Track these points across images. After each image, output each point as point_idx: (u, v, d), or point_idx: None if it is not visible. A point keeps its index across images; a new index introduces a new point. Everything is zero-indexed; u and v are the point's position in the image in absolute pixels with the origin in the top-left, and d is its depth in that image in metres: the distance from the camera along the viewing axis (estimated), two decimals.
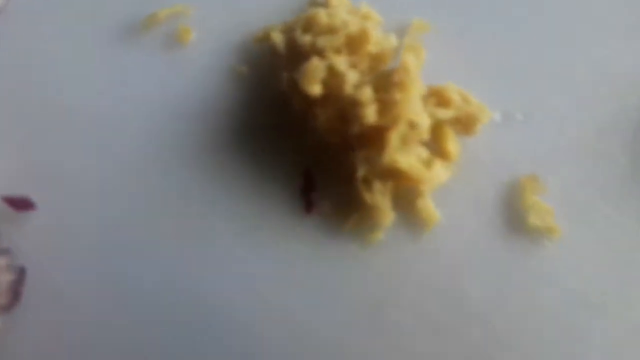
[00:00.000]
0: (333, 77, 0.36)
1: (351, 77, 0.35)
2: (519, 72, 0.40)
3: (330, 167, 0.38)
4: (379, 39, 0.37)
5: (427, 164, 0.37)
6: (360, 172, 0.36)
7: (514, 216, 0.37)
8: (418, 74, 0.35)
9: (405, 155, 0.35)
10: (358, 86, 0.35)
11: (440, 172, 0.37)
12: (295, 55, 0.38)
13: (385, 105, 0.35)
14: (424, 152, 0.36)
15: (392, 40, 0.37)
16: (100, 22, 0.41)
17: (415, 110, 0.35)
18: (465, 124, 0.38)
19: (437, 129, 0.37)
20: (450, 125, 0.38)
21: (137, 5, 0.41)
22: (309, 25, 0.38)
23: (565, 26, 0.41)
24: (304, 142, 0.38)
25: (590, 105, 0.39)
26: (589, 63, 0.40)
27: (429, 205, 0.37)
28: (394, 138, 0.35)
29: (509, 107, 0.39)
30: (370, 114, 0.35)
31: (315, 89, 0.35)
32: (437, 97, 0.37)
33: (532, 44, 0.40)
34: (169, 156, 0.39)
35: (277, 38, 0.38)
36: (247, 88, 0.40)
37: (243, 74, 0.40)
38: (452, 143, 0.37)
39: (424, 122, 0.35)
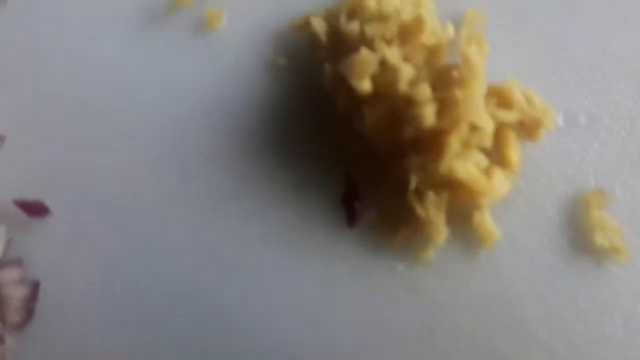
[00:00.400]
0: (385, 72, 0.31)
1: (406, 72, 0.30)
2: (581, 67, 0.36)
3: (377, 174, 0.34)
4: (435, 29, 0.32)
5: (487, 173, 0.32)
6: (413, 181, 0.31)
7: (578, 235, 0.34)
8: (482, 70, 0.30)
9: (464, 163, 0.31)
10: (414, 83, 0.30)
11: (501, 183, 0.32)
12: (340, 46, 0.33)
13: (445, 106, 0.30)
14: (483, 160, 0.32)
15: (450, 31, 0.32)
16: (118, 6, 0.36)
17: (478, 111, 0.30)
18: (528, 129, 0.33)
19: (498, 133, 0.33)
20: (513, 129, 0.33)
21: None
22: (354, 12, 0.33)
23: (637, 14, 0.36)
24: (347, 146, 0.33)
25: None
26: None
27: (487, 220, 0.32)
28: (453, 142, 0.30)
29: (571, 109, 0.35)
30: (429, 115, 0.30)
31: (365, 85, 0.31)
32: (498, 97, 0.33)
33: (597, 34, 0.36)
34: (196, 158, 0.35)
35: (319, 26, 0.33)
36: (284, 82, 0.35)
37: (280, 66, 0.35)
38: (515, 150, 0.33)
39: (488, 125, 0.30)
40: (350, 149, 0.34)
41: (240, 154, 0.34)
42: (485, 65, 0.34)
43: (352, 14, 0.33)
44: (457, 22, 0.36)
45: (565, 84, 0.35)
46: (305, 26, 0.35)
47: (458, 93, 0.30)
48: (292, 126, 0.34)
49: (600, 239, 0.33)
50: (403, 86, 0.31)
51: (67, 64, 0.36)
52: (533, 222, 0.34)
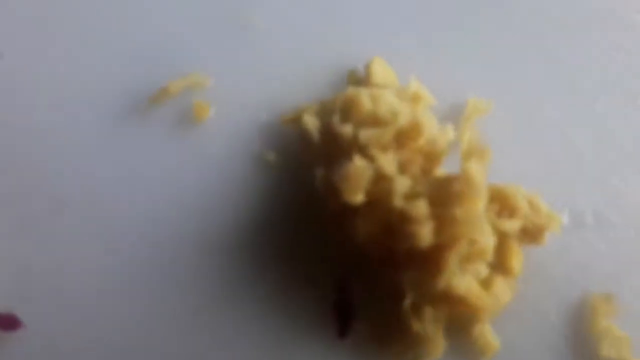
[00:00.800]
0: (379, 181, 0.29)
1: (401, 185, 0.28)
2: (587, 163, 0.34)
3: (370, 282, 0.31)
4: (433, 132, 0.30)
5: (487, 284, 0.30)
6: (409, 297, 0.29)
7: (583, 344, 0.32)
8: (483, 183, 0.28)
9: (463, 277, 0.29)
10: (409, 196, 0.28)
11: (501, 293, 0.30)
12: (332, 145, 0.30)
13: (443, 222, 0.28)
14: (483, 269, 0.30)
15: (449, 133, 0.30)
16: (100, 98, 0.34)
17: (479, 228, 0.28)
18: (531, 234, 0.31)
19: (499, 241, 0.30)
20: (515, 237, 0.31)
21: (144, 77, 0.33)
22: (348, 110, 0.30)
23: None
24: (339, 250, 0.31)
25: None
26: None
27: (487, 332, 0.31)
28: (452, 260, 0.28)
29: (578, 207, 0.34)
30: (425, 233, 0.28)
31: (358, 197, 0.28)
32: (500, 203, 0.31)
33: (604, 129, 0.35)
34: (177, 264, 0.33)
35: (311, 122, 0.31)
36: (272, 179, 0.33)
37: (269, 161, 0.32)
38: (517, 258, 0.31)
39: (490, 241, 0.28)
40: (342, 254, 0.31)
41: (225, 258, 0.32)
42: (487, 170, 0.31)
43: (346, 112, 0.31)
44: (459, 111, 0.33)
45: (571, 181, 0.33)
46: (296, 120, 0.33)
47: (457, 211, 0.28)
48: (280, 227, 0.32)
49: (607, 350, 0.31)
50: (398, 200, 0.29)
51: (41, 157, 0.33)
52: (535, 330, 0.32)
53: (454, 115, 0.34)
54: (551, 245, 0.32)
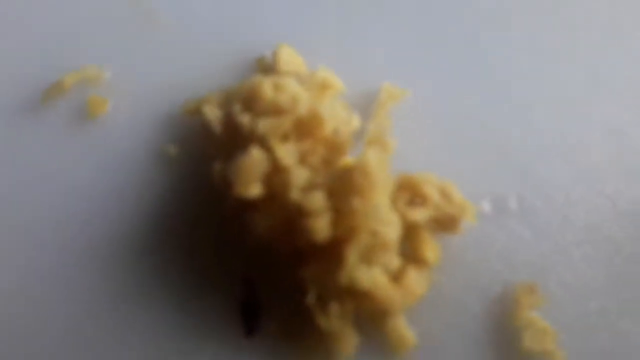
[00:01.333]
0: (277, 174, 0.27)
1: (299, 177, 0.27)
2: (510, 146, 0.33)
3: (276, 278, 0.30)
4: (337, 120, 0.28)
5: (398, 276, 0.28)
6: (312, 293, 0.27)
7: (506, 336, 0.31)
8: (384, 173, 0.27)
9: (368, 271, 0.27)
10: (307, 189, 0.27)
11: (415, 285, 0.29)
12: (234, 136, 0.29)
13: (342, 214, 0.26)
14: (393, 261, 0.28)
15: (354, 122, 0.29)
16: None
17: (379, 219, 0.26)
18: (444, 223, 0.29)
19: (410, 231, 0.29)
20: (427, 226, 0.29)
21: (36, 72, 0.32)
22: (250, 99, 0.29)
23: (571, 86, 0.33)
24: (243, 246, 0.30)
25: (605, 184, 0.32)
26: (601, 138, 0.32)
27: (400, 326, 0.29)
28: (351, 253, 0.26)
29: (500, 193, 0.32)
30: (322, 227, 0.26)
31: (253, 189, 0.27)
32: (410, 191, 0.29)
33: (525, 109, 0.33)
34: (71, 262, 0.31)
35: (211, 113, 0.29)
36: (175, 173, 0.31)
37: (171, 154, 0.31)
38: (430, 247, 0.29)
39: (393, 231, 0.27)
40: (247, 249, 0.30)
41: (122, 256, 0.31)
42: (396, 154, 0.30)
43: (248, 101, 0.29)
44: (372, 98, 0.31)
45: (494, 167, 0.31)
46: (198, 111, 0.31)
47: (355, 202, 0.26)
48: (183, 223, 0.31)
49: (529, 342, 0.30)
50: (295, 193, 0.27)
51: None
52: (455, 322, 0.31)
53: (368, 103, 0.32)
54: (472, 233, 0.31)
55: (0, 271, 0.31)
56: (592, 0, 0.34)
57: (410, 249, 0.30)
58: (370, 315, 0.30)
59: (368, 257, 0.28)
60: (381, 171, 0.27)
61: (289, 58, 0.32)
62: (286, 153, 0.28)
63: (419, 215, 0.29)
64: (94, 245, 0.31)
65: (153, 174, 0.32)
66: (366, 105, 0.32)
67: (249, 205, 0.29)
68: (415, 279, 0.29)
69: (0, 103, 0.33)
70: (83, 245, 0.31)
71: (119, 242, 0.31)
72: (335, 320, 0.29)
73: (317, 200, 0.27)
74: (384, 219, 0.27)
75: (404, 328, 0.30)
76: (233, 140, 0.30)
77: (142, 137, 0.32)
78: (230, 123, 0.30)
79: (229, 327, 0.30)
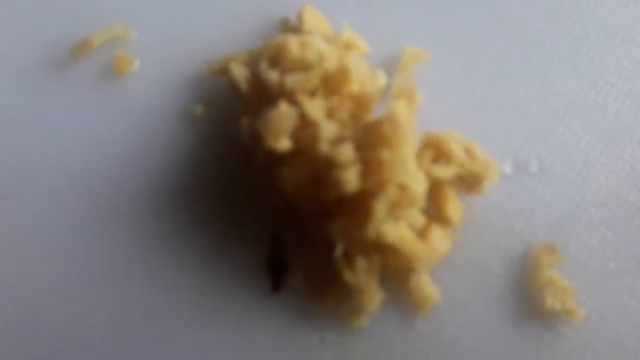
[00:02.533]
0: (305, 129, 0.27)
1: (327, 130, 0.27)
2: (531, 109, 0.33)
3: (303, 234, 0.30)
4: (363, 77, 0.28)
5: (423, 233, 0.28)
6: (339, 247, 0.27)
7: (526, 296, 0.31)
8: (411, 126, 0.27)
9: (394, 225, 0.27)
10: (336, 142, 0.27)
11: (439, 243, 0.29)
12: (261, 94, 0.29)
13: (370, 167, 0.26)
14: (418, 218, 0.28)
15: (380, 79, 0.29)
16: (16, 53, 0.32)
17: (407, 172, 0.27)
18: (468, 183, 0.29)
19: (435, 189, 0.29)
20: (451, 185, 0.29)
21: (65, 27, 0.32)
22: (277, 57, 0.29)
23: (592, 53, 0.33)
24: (270, 203, 0.30)
25: (623, 148, 0.32)
26: (621, 96, 0.33)
27: (425, 283, 0.29)
28: (380, 206, 0.26)
29: (521, 155, 0.32)
30: (351, 178, 0.26)
31: (283, 143, 0.27)
32: (434, 150, 0.29)
33: (546, 72, 0.33)
34: (102, 219, 0.31)
35: (238, 71, 0.30)
36: (201, 133, 0.31)
37: (197, 115, 0.31)
38: (454, 206, 0.29)
39: (419, 186, 0.27)
40: (274, 207, 0.30)
41: (152, 213, 0.31)
42: (420, 115, 0.30)
43: (275, 60, 0.30)
44: (396, 61, 0.32)
45: (514, 129, 0.32)
46: (224, 71, 0.31)
47: (384, 154, 0.26)
48: (209, 182, 0.31)
49: (550, 301, 0.30)
50: (324, 146, 0.27)
51: None
52: (477, 281, 0.31)
53: (392, 64, 0.32)
54: (493, 195, 0.31)
55: (26, 229, 0.31)
56: None
57: (434, 207, 0.30)
58: (395, 272, 0.30)
59: (395, 212, 0.28)
60: (409, 123, 0.27)
61: (314, 19, 0.32)
62: (314, 107, 0.28)
63: (444, 172, 0.29)
64: (121, 204, 0.31)
65: (179, 133, 0.32)
66: (389, 66, 0.32)
67: (277, 160, 0.29)
68: (439, 237, 0.30)
69: (28, 60, 0.33)
70: (110, 203, 0.31)
71: (146, 200, 0.31)
72: (361, 275, 0.29)
73: (346, 152, 0.27)
74: (411, 172, 0.27)
75: (428, 285, 0.30)
76: (260, 98, 0.30)
77: (168, 96, 0.32)
78: (257, 81, 0.30)
79: (255, 282, 0.30)
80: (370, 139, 0.28)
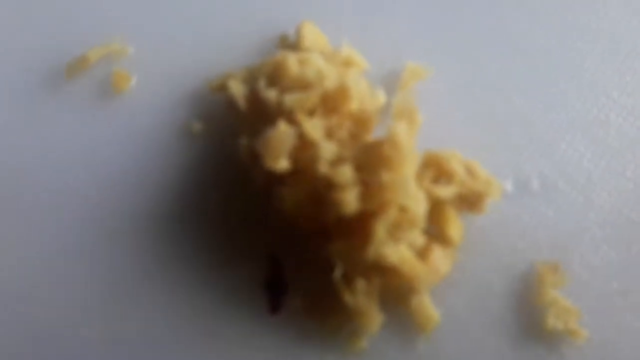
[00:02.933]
0: (304, 149, 0.27)
1: (327, 150, 0.26)
2: (532, 126, 0.32)
3: (302, 255, 0.30)
4: (363, 96, 0.28)
5: (423, 253, 0.28)
6: (339, 268, 0.27)
7: (528, 316, 0.31)
8: (412, 146, 0.26)
9: (394, 246, 0.27)
10: (335, 162, 0.26)
11: (439, 263, 0.28)
12: (259, 112, 0.28)
13: (370, 188, 0.26)
14: (419, 238, 0.28)
15: (380, 97, 0.28)
16: (11, 70, 0.31)
17: (408, 193, 0.26)
18: (469, 201, 0.29)
19: (435, 208, 0.28)
20: (452, 204, 0.29)
21: (61, 43, 0.31)
22: (275, 75, 0.28)
23: (594, 68, 0.33)
24: (269, 223, 0.29)
25: (626, 165, 0.32)
26: (624, 112, 0.32)
27: (425, 304, 0.29)
28: (380, 228, 0.26)
29: (523, 173, 0.32)
30: (351, 200, 0.26)
31: (282, 164, 0.27)
32: (435, 168, 0.29)
33: (548, 88, 0.33)
34: (98, 239, 0.31)
35: (237, 89, 0.29)
36: (199, 150, 0.31)
37: (195, 131, 0.30)
38: (454, 225, 0.29)
39: (420, 207, 0.26)
40: (273, 226, 0.29)
41: (149, 232, 0.30)
42: (420, 131, 0.29)
43: (273, 77, 0.29)
44: (396, 78, 0.31)
45: (517, 146, 0.31)
46: (223, 88, 0.30)
47: (384, 175, 0.26)
48: (207, 200, 0.30)
49: (553, 321, 0.29)
50: (323, 166, 0.27)
51: None
52: (478, 301, 0.31)
53: (392, 81, 0.32)
54: (495, 213, 0.30)
55: (24, 249, 0.31)
56: None
57: (434, 227, 0.30)
58: (395, 293, 0.29)
59: (395, 233, 0.28)
60: (410, 144, 0.27)
61: (312, 35, 0.31)
62: (313, 127, 0.28)
63: (444, 192, 0.29)
64: (117, 222, 0.31)
65: (177, 150, 0.31)
66: (389, 83, 0.32)
67: (276, 181, 0.28)
68: (439, 257, 0.29)
69: (24, 77, 0.32)
70: (106, 222, 0.31)
71: (143, 219, 0.31)
72: (361, 297, 0.28)
73: (346, 173, 0.27)
74: (412, 193, 0.27)
75: (428, 306, 0.29)
76: (258, 115, 0.29)
77: (166, 113, 0.32)
78: (255, 99, 0.30)
79: (254, 303, 0.30)
80: (371, 159, 0.27)
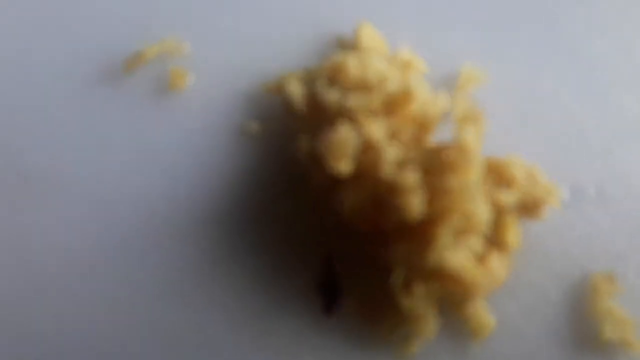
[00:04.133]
0: (367, 150, 0.25)
1: (391, 154, 0.25)
2: (590, 133, 0.31)
3: (358, 257, 0.29)
4: (425, 98, 0.27)
5: (482, 259, 0.26)
6: (398, 272, 0.25)
7: (583, 325, 0.30)
8: (478, 152, 0.25)
9: (455, 252, 0.25)
10: (400, 165, 0.25)
11: (497, 270, 0.27)
12: (318, 113, 0.27)
13: (435, 193, 0.24)
14: (477, 243, 0.26)
15: (443, 100, 0.27)
16: (68, 64, 0.30)
17: (473, 199, 0.25)
18: (529, 207, 0.27)
19: (496, 215, 0.27)
20: (512, 210, 0.27)
21: (116, 41, 0.30)
22: (335, 76, 0.27)
23: None
24: (325, 224, 0.28)
25: None
26: None
27: (481, 310, 0.27)
28: (444, 234, 0.25)
29: (580, 181, 0.31)
30: (415, 204, 0.25)
31: (344, 166, 0.25)
32: (497, 174, 0.27)
33: (606, 96, 0.32)
34: (154, 238, 0.30)
35: (295, 90, 0.28)
36: (255, 151, 0.29)
37: (252, 132, 0.29)
38: (514, 232, 0.27)
39: (485, 214, 0.25)
40: (328, 228, 0.28)
41: (205, 233, 0.29)
42: (483, 140, 0.28)
43: (333, 78, 0.28)
44: (453, 82, 0.30)
45: (572, 153, 0.30)
46: (280, 88, 0.29)
47: (451, 181, 0.25)
48: (263, 201, 0.29)
49: (609, 331, 0.28)
50: (387, 170, 0.25)
51: (6, 130, 0.30)
52: (533, 309, 0.29)
53: (448, 84, 0.30)
54: (551, 220, 0.29)
55: (75, 243, 0.29)
56: None
57: (493, 232, 0.28)
58: (451, 299, 0.28)
59: (457, 239, 0.26)
60: (478, 149, 0.25)
61: (370, 37, 0.30)
62: (376, 129, 0.26)
63: (506, 198, 0.27)
64: (172, 221, 0.30)
65: (234, 151, 0.30)
66: (446, 87, 0.30)
67: (336, 183, 0.27)
68: (497, 263, 0.28)
69: (81, 72, 0.31)
70: (161, 221, 0.30)
71: (198, 219, 0.30)
72: (419, 302, 0.27)
73: (411, 177, 0.25)
74: (478, 200, 0.25)
75: (484, 313, 0.28)
76: (317, 117, 0.28)
77: (223, 112, 0.30)
78: (314, 100, 0.28)
79: (308, 305, 0.28)
80: (436, 164, 0.26)
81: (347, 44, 0.31)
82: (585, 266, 0.29)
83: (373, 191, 0.27)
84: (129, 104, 0.31)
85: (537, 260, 0.30)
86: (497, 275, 0.28)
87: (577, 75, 0.31)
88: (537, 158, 0.30)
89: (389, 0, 0.32)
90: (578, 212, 0.30)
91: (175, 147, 0.30)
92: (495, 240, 0.29)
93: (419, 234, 0.26)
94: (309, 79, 0.30)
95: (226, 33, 0.31)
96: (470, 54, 0.31)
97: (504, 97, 0.31)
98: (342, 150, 0.26)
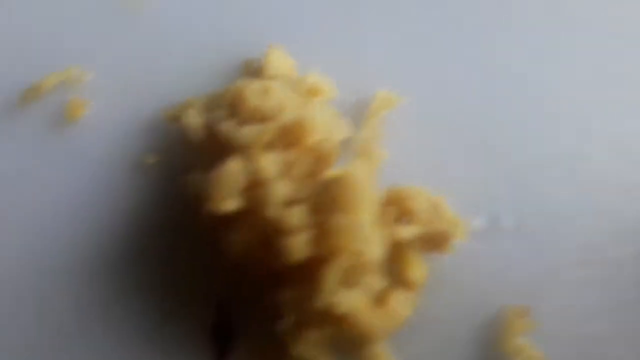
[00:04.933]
0: (256, 188, 0.23)
1: (278, 191, 0.23)
2: (509, 161, 0.29)
3: (251, 300, 0.28)
4: (324, 128, 0.25)
5: (381, 298, 0.24)
6: (288, 318, 0.24)
7: None
8: (369, 186, 0.23)
9: (347, 294, 0.23)
10: (288, 203, 0.23)
11: (399, 308, 0.25)
12: (215, 145, 0.25)
13: (324, 232, 0.23)
14: (376, 282, 0.24)
15: (343, 131, 0.25)
16: None
17: (362, 237, 0.23)
18: (434, 241, 0.25)
19: (396, 249, 0.25)
20: (415, 245, 0.25)
21: (13, 72, 0.28)
22: (235, 104, 0.25)
23: (573, 100, 0.30)
24: (217, 266, 0.27)
25: (603, 200, 0.29)
26: (603, 150, 0.29)
27: (382, 353, 0.26)
28: (330, 275, 0.23)
29: (495, 209, 0.29)
30: (299, 245, 0.23)
31: (229, 204, 0.23)
32: (398, 206, 0.25)
33: (524, 124, 0.30)
34: (36, 277, 0.28)
35: (192, 119, 0.26)
36: (152, 183, 0.28)
37: (148, 165, 0.27)
38: (416, 268, 0.26)
39: (376, 252, 0.23)
40: (220, 270, 0.26)
41: (95, 270, 0.27)
42: (387, 166, 0.27)
43: (234, 107, 0.26)
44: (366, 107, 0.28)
45: (489, 182, 0.28)
46: (179, 117, 0.27)
47: (337, 218, 0.23)
48: (155, 240, 0.27)
49: None
50: (272, 208, 0.23)
51: None
52: (440, 348, 0.28)
53: (362, 109, 0.28)
54: (462, 253, 0.27)
55: None
56: (592, 3, 0.30)
57: (395, 269, 0.26)
58: (349, 342, 0.26)
59: (348, 279, 0.24)
60: (367, 185, 0.23)
61: (279, 61, 0.28)
62: (268, 163, 0.24)
63: (406, 233, 0.25)
64: (61, 254, 0.28)
65: (129, 183, 0.28)
66: (359, 112, 0.29)
67: (224, 221, 0.25)
68: (399, 302, 0.26)
69: None
70: (45, 258, 0.28)
71: (90, 254, 0.28)
72: (310, 348, 0.25)
73: (296, 216, 0.23)
74: (367, 238, 0.23)
75: (385, 356, 0.26)
76: (215, 149, 0.26)
77: (120, 143, 0.29)
78: (212, 130, 0.26)
79: (200, 351, 0.27)
80: (324, 201, 0.24)
81: (255, 69, 0.29)
82: (498, 300, 0.28)
83: (261, 231, 0.25)
84: (26, 137, 0.29)
85: (446, 295, 0.28)
86: (398, 315, 0.26)
87: (495, 103, 0.29)
88: (451, 185, 0.28)
89: (302, 24, 0.30)
90: (492, 243, 0.28)
91: (71, 179, 0.29)
92: (396, 276, 0.27)
93: (307, 276, 0.25)
94: (211, 107, 0.28)
95: (130, 58, 0.30)
96: (386, 79, 0.29)
97: (419, 124, 0.29)
98: (227, 188, 0.25)
